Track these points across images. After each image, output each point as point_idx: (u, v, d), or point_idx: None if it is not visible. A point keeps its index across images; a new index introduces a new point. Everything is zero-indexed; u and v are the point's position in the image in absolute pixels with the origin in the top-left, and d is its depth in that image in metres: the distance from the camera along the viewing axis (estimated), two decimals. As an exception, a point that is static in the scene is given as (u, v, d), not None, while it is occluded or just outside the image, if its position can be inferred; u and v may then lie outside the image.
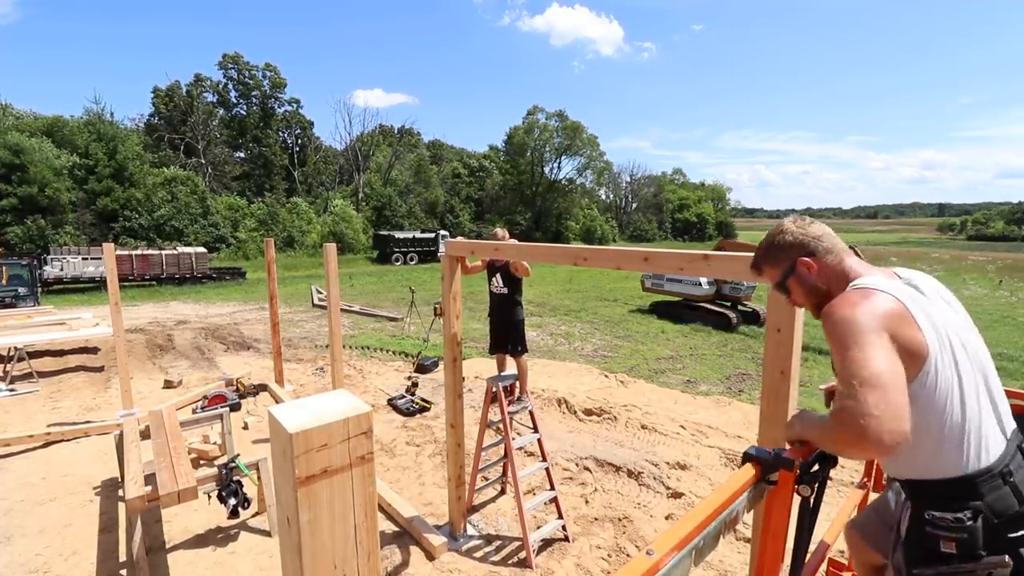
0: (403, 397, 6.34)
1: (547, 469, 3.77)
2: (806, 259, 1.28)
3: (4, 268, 11.89)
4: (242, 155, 38.24)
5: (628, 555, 3.49)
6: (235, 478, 3.39)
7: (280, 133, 39.65)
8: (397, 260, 29.79)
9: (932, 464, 1.09)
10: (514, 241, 3.96)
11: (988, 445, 1.07)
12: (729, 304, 13.36)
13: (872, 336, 1.02)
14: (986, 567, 1.00)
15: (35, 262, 13.97)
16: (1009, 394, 1.60)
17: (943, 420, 1.07)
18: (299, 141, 40.96)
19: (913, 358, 1.05)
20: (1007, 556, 0.99)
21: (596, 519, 3.90)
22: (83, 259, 18.42)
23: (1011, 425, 1.14)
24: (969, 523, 1.02)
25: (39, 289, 13.38)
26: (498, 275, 4.27)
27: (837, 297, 1.17)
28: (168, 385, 7.10)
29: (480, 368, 7.80)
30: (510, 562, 3.39)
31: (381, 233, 32.19)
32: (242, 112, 37.91)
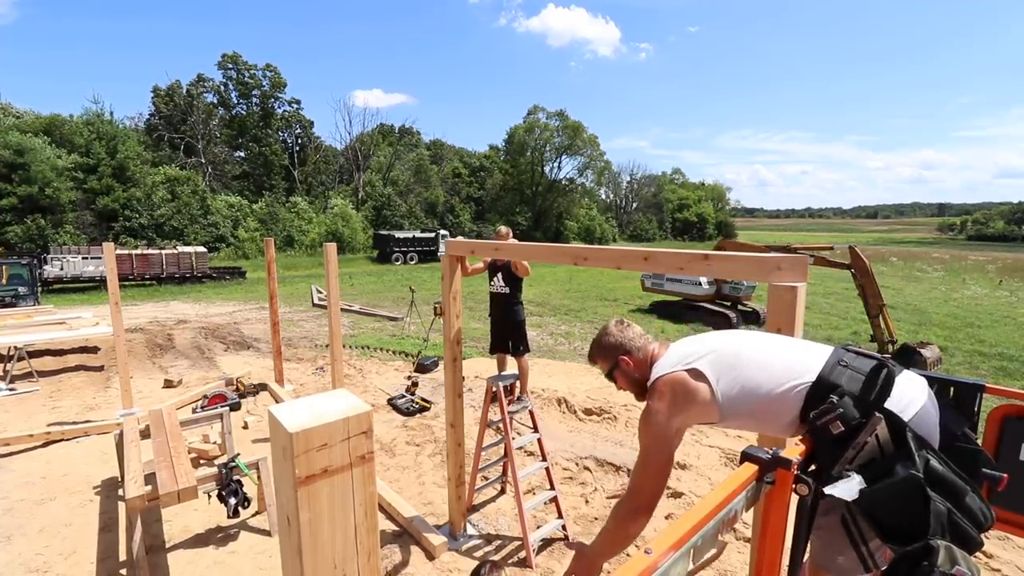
0: (403, 397, 6.35)
1: (547, 469, 3.78)
2: (624, 357, 1.66)
3: (4, 267, 11.90)
4: (242, 155, 38.19)
5: (628, 554, 3.49)
6: (235, 478, 3.39)
7: (280, 133, 39.62)
8: (397, 260, 29.78)
9: (787, 407, 1.38)
10: (515, 240, 3.96)
11: (807, 366, 1.38)
12: (729, 304, 13.36)
13: (656, 439, 1.44)
14: (869, 429, 1.22)
15: (35, 261, 13.98)
16: (1010, 394, 1.61)
17: (759, 387, 1.39)
18: (299, 141, 40.93)
19: (705, 402, 1.43)
20: (876, 413, 1.24)
21: (596, 519, 3.90)
22: (83, 258, 18.41)
23: (824, 346, 1.48)
24: (839, 401, 1.26)
25: (39, 288, 13.38)
26: (499, 275, 4.27)
27: (646, 400, 1.52)
28: (168, 385, 7.10)
29: (480, 368, 7.80)
30: (510, 562, 3.40)
31: (381, 233, 32.17)
32: (242, 112, 37.88)
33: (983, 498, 1.20)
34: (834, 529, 1.31)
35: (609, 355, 1.69)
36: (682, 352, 1.54)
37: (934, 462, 1.18)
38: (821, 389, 1.32)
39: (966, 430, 1.38)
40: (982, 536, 1.16)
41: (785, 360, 1.42)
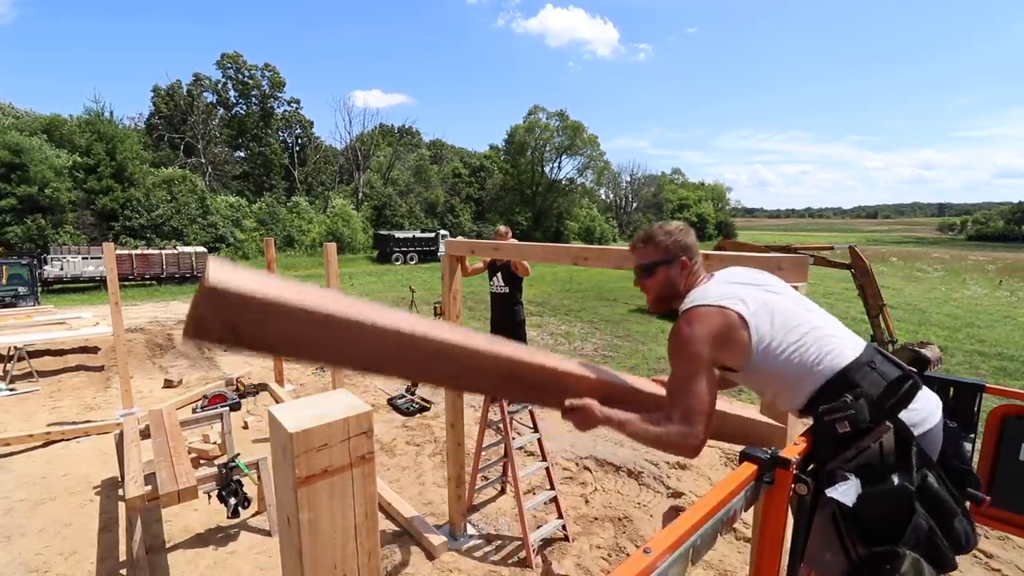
0: (403, 397, 6.35)
1: (547, 469, 3.78)
2: (686, 259, 1.52)
3: (4, 268, 11.90)
4: (242, 155, 38.21)
5: (628, 554, 3.49)
6: (235, 478, 3.39)
7: (280, 133, 39.62)
8: (397, 260, 29.77)
9: (803, 390, 1.34)
10: (514, 241, 3.96)
11: (841, 351, 1.32)
12: (729, 304, 13.36)
13: (699, 364, 1.31)
14: (876, 435, 1.19)
15: (35, 261, 13.98)
16: (1010, 394, 1.61)
17: (791, 358, 1.34)
18: (299, 141, 40.93)
19: (740, 348, 1.36)
20: (887, 421, 1.20)
21: (596, 519, 3.90)
22: (83, 258, 18.40)
23: (860, 339, 1.42)
24: (852, 402, 1.22)
25: (39, 288, 13.38)
26: (499, 275, 4.27)
27: (681, 316, 1.41)
28: (168, 384, 7.10)
29: (480, 368, 7.79)
30: (510, 562, 3.40)
31: (381, 233, 32.15)
32: (242, 112, 37.89)
33: (971, 522, 1.21)
34: (824, 525, 1.32)
35: (671, 249, 1.52)
36: (730, 291, 1.43)
37: (931, 479, 1.18)
38: (839, 385, 1.28)
39: (961, 448, 1.38)
40: (961, 556, 1.18)
41: (820, 341, 1.35)
